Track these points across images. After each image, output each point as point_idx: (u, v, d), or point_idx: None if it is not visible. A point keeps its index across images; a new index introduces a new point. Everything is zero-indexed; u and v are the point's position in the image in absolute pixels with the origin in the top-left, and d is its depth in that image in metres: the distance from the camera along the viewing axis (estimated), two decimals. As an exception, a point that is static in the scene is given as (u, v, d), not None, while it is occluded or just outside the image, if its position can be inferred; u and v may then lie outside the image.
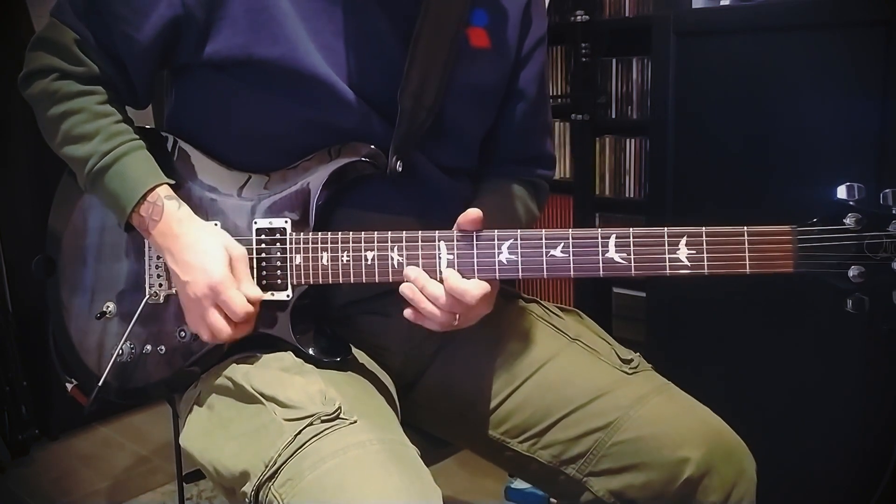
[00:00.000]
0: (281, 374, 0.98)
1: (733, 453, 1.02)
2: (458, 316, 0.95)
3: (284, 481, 0.86)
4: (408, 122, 1.02)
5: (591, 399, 1.05)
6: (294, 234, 1.01)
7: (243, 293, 0.98)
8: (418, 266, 0.96)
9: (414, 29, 1.01)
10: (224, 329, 0.98)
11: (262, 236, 1.02)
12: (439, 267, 0.96)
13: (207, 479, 1.05)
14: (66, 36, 1.03)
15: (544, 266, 0.93)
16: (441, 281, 0.95)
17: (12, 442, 2.26)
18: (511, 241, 0.94)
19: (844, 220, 0.85)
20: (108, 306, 1.10)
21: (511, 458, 1.11)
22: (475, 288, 0.94)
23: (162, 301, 1.07)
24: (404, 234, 0.96)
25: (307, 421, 0.89)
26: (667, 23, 1.77)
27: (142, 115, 1.14)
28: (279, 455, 0.87)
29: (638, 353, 1.12)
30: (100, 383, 1.09)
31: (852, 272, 0.85)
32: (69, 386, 1.14)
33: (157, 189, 1.01)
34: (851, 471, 1.58)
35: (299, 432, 0.88)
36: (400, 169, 1.03)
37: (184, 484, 1.70)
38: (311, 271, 1.00)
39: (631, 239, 0.91)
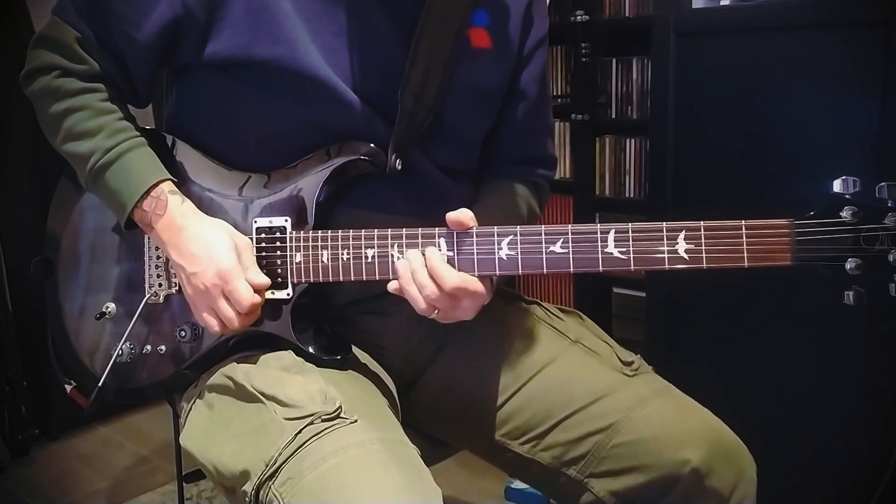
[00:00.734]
0: (281, 374, 0.98)
1: (734, 455, 1.02)
2: (437, 311, 0.95)
3: (285, 480, 0.86)
4: (408, 121, 1.02)
5: (591, 401, 1.05)
6: (294, 232, 1.01)
7: (251, 280, 0.98)
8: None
9: (415, 29, 1.01)
10: (234, 318, 0.98)
11: (263, 235, 1.02)
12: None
13: (207, 479, 1.05)
14: (68, 34, 1.03)
15: (544, 262, 0.93)
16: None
17: (12, 442, 2.26)
18: (511, 237, 0.94)
19: (841, 214, 0.86)
20: (108, 307, 1.10)
21: (511, 460, 1.11)
22: (454, 277, 0.93)
23: (161, 301, 1.07)
24: (404, 231, 0.96)
25: (307, 420, 0.89)
26: (667, 23, 1.77)
27: (142, 116, 1.14)
28: (279, 454, 0.87)
29: (639, 356, 1.12)
30: (99, 384, 1.09)
31: (849, 265, 0.86)
32: (68, 387, 1.14)
33: (161, 184, 1.01)
34: (851, 471, 1.58)
35: (300, 431, 0.88)
36: (399, 167, 1.03)
37: (184, 484, 1.69)
38: (311, 270, 1.00)
39: (630, 234, 0.91)
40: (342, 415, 0.89)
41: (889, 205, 0.85)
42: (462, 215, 0.94)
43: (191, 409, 1.06)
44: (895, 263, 0.84)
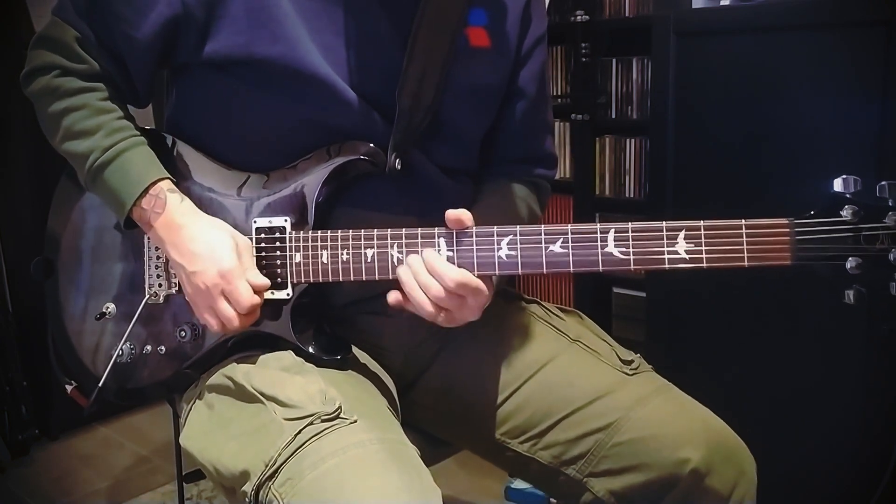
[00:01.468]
0: (281, 374, 0.98)
1: (734, 454, 1.02)
2: (442, 313, 0.95)
3: (284, 481, 0.85)
4: (406, 120, 1.02)
5: (591, 400, 1.05)
6: (293, 232, 1.01)
7: (250, 281, 0.98)
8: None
9: (412, 28, 1.01)
10: (235, 317, 0.98)
11: (262, 235, 1.02)
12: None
13: (207, 479, 1.05)
14: (68, 34, 1.03)
15: (544, 261, 0.93)
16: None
17: (12, 442, 2.26)
18: (510, 237, 0.94)
19: (841, 213, 0.86)
20: (108, 307, 1.10)
21: (511, 459, 1.11)
22: (455, 272, 0.92)
23: (162, 301, 1.07)
24: (404, 231, 0.96)
25: (307, 420, 0.89)
26: (667, 23, 1.77)
27: (142, 116, 1.14)
28: (279, 454, 0.87)
29: (638, 355, 1.12)
30: (100, 384, 1.09)
31: (850, 264, 0.86)
32: (69, 388, 1.14)
33: (160, 183, 1.01)
34: (851, 471, 1.58)
35: (299, 432, 0.88)
36: (399, 167, 1.03)
37: (184, 484, 1.70)
38: (310, 270, 1.00)
39: (630, 233, 0.91)
40: (342, 415, 0.89)
41: (889, 204, 0.85)
42: (461, 214, 0.94)
43: (191, 409, 1.06)
44: (895, 262, 0.85)
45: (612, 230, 0.91)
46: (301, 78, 0.99)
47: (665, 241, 0.90)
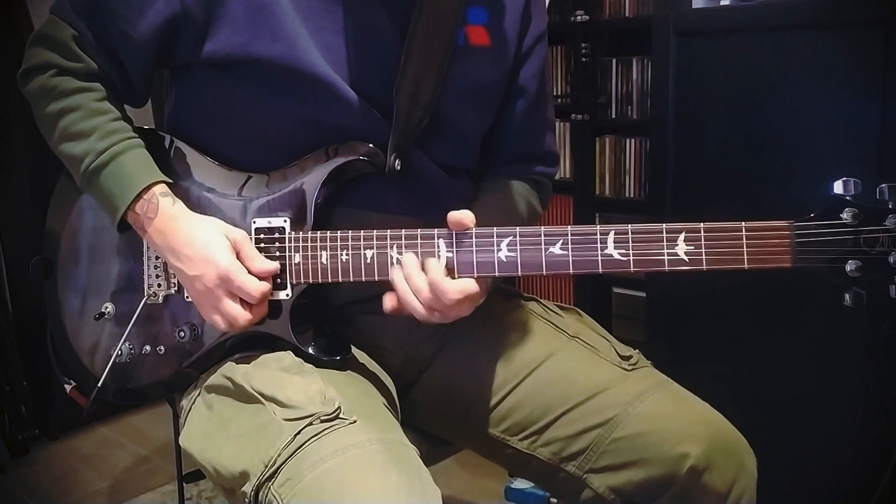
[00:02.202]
0: (280, 374, 0.98)
1: (733, 449, 1.02)
2: (436, 313, 0.95)
3: (284, 481, 0.85)
4: (405, 120, 1.02)
5: (590, 396, 1.05)
6: (293, 233, 1.01)
7: (257, 269, 0.98)
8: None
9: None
10: (241, 315, 0.98)
11: (261, 235, 1.02)
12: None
13: (207, 479, 1.05)
14: (65, 32, 1.03)
15: (543, 263, 0.93)
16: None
17: (12, 442, 2.26)
18: (510, 238, 0.94)
19: (842, 215, 0.86)
20: (107, 307, 1.10)
21: (511, 456, 1.11)
22: (454, 289, 0.93)
23: (161, 301, 1.07)
24: (403, 232, 0.96)
25: (307, 421, 0.89)
26: (667, 23, 1.77)
27: (142, 116, 1.14)
28: (279, 455, 0.87)
29: (637, 350, 1.12)
30: (99, 384, 1.09)
31: (850, 267, 0.86)
32: (68, 387, 1.14)
33: (154, 187, 1.01)
34: (851, 471, 1.58)
35: (299, 432, 0.88)
36: (398, 167, 1.02)
37: (184, 484, 1.70)
38: (310, 270, 1.00)
39: (630, 235, 0.91)
40: (341, 415, 0.89)
41: (890, 206, 0.85)
42: (463, 215, 0.94)
43: (190, 409, 1.06)
44: (895, 265, 0.84)
45: (612, 232, 0.91)
46: (301, 77, 0.99)
47: (665, 242, 0.90)
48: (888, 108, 1.48)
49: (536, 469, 1.10)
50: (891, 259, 0.84)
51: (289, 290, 1.01)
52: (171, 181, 1.04)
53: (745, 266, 0.88)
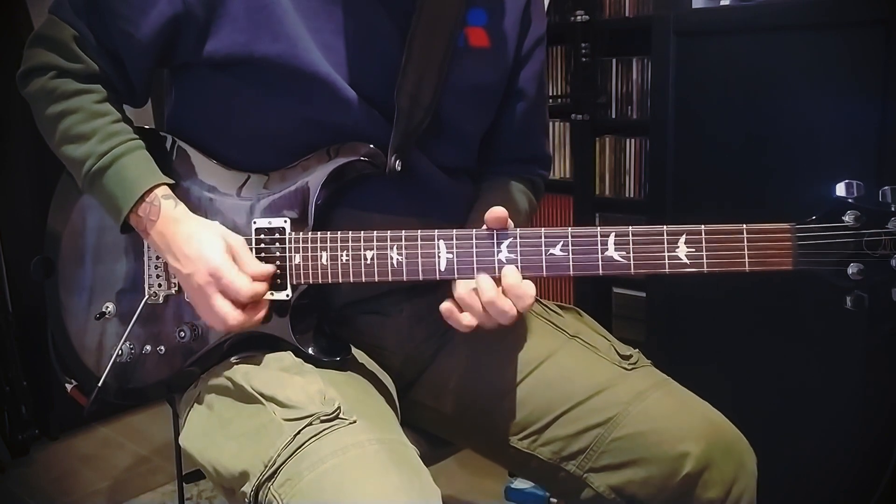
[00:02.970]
0: (280, 374, 0.98)
1: (733, 448, 1.02)
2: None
3: (283, 481, 0.86)
4: (405, 121, 1.02)
5: (590, 395, 1.05)
6: (293, 233, 1.01)
7: (250, 272, 0.97)
8: (417, 264, 0.96)
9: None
10: (231, 314, 0.96)
11: (262, 236, 1.02)
12: (438, 266, 0.95)
13: (207, 479, 1.05)
14: (65, 33, 1.03)
15: (543, 265, 0.93)
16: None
17: (12, 442, 2.26)
18: (510, 239, 0.94)
19: (843, 218, 0.85)
20: (108, 307, 1.10)
21: (512, 456, 1.11)
22: (530, 288, 0.93)
23: (161, 301, 1.07)
24: (403, 233, 0.96)
25: (306, 421, 0.89)
26: (667, 23, 1.77)
27: (142, 116, 1.14)
28: (278, 455, 0.87)
29: (637, 350, 1.12)
30: (99, 384, 1.09)
31: (851, 269, 0.85)
32: (69, 387, 1.14)
33: (155, 189, 1.01)
34: (851, 471, 1.58)
35: (298, 432, 0.88)
36: (399, 168, 1.03)
37: (184, 484, 1.70)
38: (310, 271, 1.00)
39: (630, 237, 0.91)
40: (341, 416, 0.89)
41: (892, 209, 0.84)
42: (501, 212, 0.93)
43: (190, 409, 1.06)
44: None
45: (613, 234, 0.91)
46: (301, 77, 0.99)
47: (666, 245, 0.90)
48: (888, 108, 1.48)
49: (536, 469, 1.10)
50: (893, 262, 0.84)
51: (289, 291, 1.01)
52: (172, 182, 1.04)
53: (747, 269, 0.88)
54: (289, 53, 0.98)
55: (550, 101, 2.48)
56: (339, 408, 0.90)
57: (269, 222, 1.02)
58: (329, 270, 0.99)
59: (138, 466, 2.25)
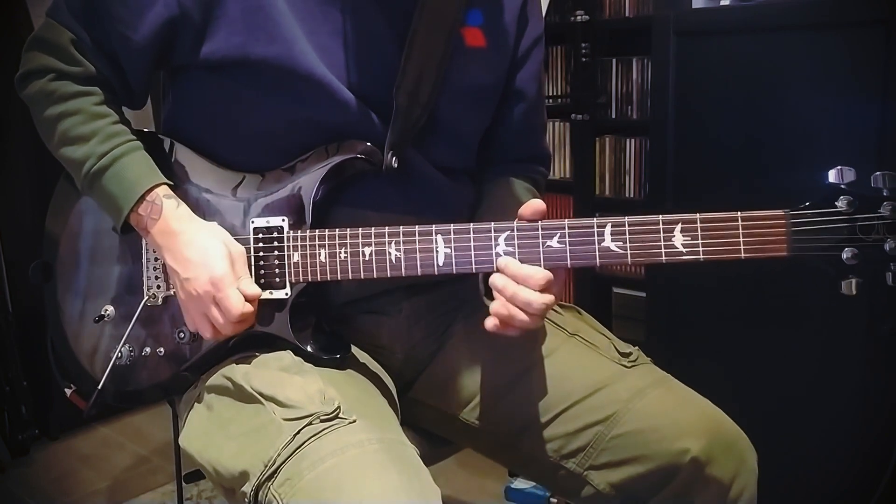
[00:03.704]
0: (280, 374, 0.98)
1: (734, 444, 1.01)
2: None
3: (283, 481, 0.85)
4: (403, 118, 1.02)
5: (590, 393, 1.05)
6: (291, 232, 1.01)
7: (242, 290, 0.98)
8: (415, 259, 0.96)
9: (410, 27, 1.02)
10: (223, 326, 0.97)
11: (260, 235, 1.02)
12: (436, 261, 0.96)
13: (207, 479, 1.05)
14: (63, 36, 1.03)
15: (541, 257, 0.93)
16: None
17: (12, 442, 2.26)
18: (507, 233, 0.94)
19: (836, 203, 0.86)
20: (107, 310, 1.10)
21: (511, 455, 1.12)
22: (537, 272, 0.93)
23: (160, 303, 1.07)
24: (401, 229, 0.96)
25: (306, 421, 0.89)
26: (667, 23, 1.78)
27: (141, 118, 1.14)
28: (278, 455, 0.87)
29: (636, 347, 1.12)
30: (99, 387, 1.08)
31: (846, 254, 0.86)
32: (68, 391, 1.14)
33: (156, 189, 1.01)
34: (851, 471, 1.58)
35: (298, 432, 0.87)
36: (395, 165, 1.03)
37: (184, 484, 1.70)
38: (308, 269, 1.00)
39: (626, 227, 0.91)
40: (341, 415, 0.89)
41: (885, 194, 0.85)
42: (538, 205, 0.93)
43: (190, 409, 1.06)
44: (891, 252, 0.84)
45: (609, 224, 0.91)
46: (297, 78, 0.99)
47: (662, 234, 0.90)
48: (888, 108, 1.48)
49: (537, 467, 1.09)
50: (887, 246, 0.85)
51: (288, 290, 1.01)
52: (172, 183, 1.04)
53: (742, 256, 0.88)
54: (285, 55, 0.98)
55: (550, 101, 2.48)
56: (338, 407, 0.90)
57: (267, 221, 1.02)
58: (328, 268, 0.99)
59: (138, 466, 2.25)
